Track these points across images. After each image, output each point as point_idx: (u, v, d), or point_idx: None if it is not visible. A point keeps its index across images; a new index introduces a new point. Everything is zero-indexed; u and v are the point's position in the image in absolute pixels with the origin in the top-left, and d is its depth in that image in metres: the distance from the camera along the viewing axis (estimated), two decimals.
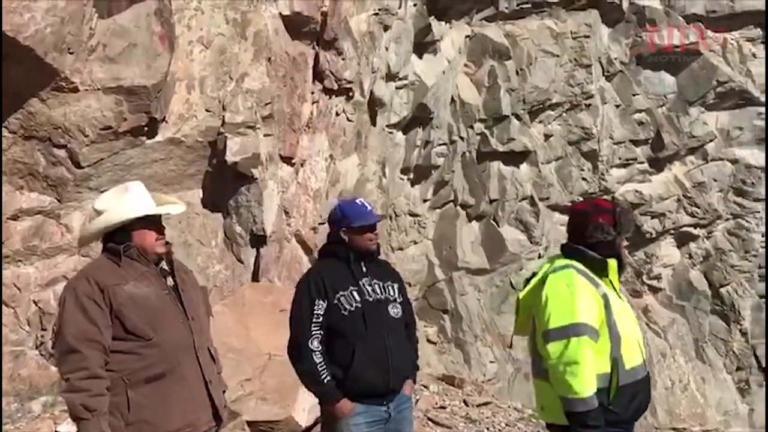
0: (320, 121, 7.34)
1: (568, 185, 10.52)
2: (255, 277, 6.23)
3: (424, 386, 6.23)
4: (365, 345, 2.99)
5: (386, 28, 8.61)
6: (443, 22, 9.65)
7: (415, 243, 9.40)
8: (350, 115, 7.85)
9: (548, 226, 10.32)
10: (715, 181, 11.74)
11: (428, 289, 9.49)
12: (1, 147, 5.22)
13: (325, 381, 2.98)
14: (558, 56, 10.15)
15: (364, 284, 3.07)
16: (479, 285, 9.64)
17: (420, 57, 9.30)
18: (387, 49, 8.64)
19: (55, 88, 5.27)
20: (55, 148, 5.45)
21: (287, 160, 6.61)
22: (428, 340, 8.86)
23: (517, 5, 10.10)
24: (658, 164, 11.47)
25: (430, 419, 5.25)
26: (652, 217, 11.39)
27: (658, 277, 11.81)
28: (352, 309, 3.02)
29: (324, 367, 2.99)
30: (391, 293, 3.14)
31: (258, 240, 6.26)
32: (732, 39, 11.72)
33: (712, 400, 11.30)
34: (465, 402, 5.76)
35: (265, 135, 6.30)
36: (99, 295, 2.42)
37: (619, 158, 10.99)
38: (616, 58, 10.97)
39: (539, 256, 10.15)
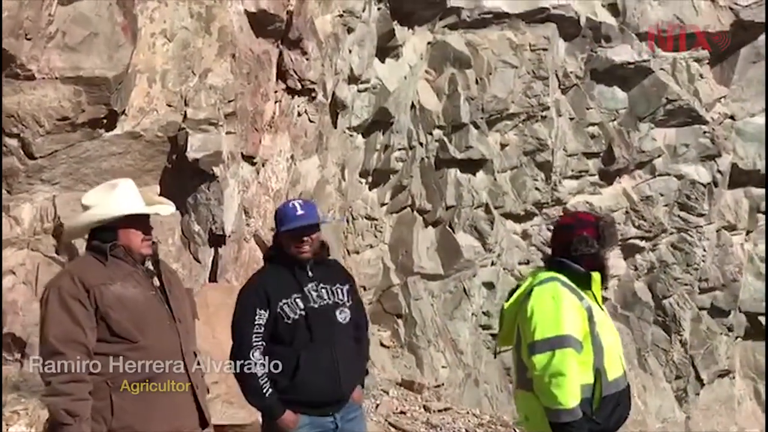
0: (282, 120, 7.27)
1: (522, 194, 10.70)
2: (212, 277, 6.11)
3: (384, 391, 6.24)
4: (311, 354, 2.89)
5: (350, 30, 8.59)
6: (406, 28, 9.68)
7: (371, 247, 9.40)
8: (312, 116, 7.80)
9: (502, 233, 10.47)
10: (662, 195, 12.10)
11: (383, 293, 9.49)
12: None
13: (267, 394, 2.88)
14: (517, 67, 10.32)
15: (309, 290, 2.95)
16: (433, 290, 9.70)
17: (382, 61, 9.31)
18: (350, 51, 8.62)
19: (9, 75, 5.09)
20: (7, 137, 5.26)
21: (249, 159, 6.52)
22: (382, 344, 8.87)
23: (479, 15, 10.21)
24: (608, 177, 11.76)
25: (391, 424, 5.25)
26: None
27: (605, 288, 12.08)
28: (296, 317, 2.91)
29: (266, 380, 2.88)
30: (340, 297, 3.02)
31: (217, 239, 6.14)
32: (681, 59, 12.12)
33: (653, 407, 11.64)
34: (425, 407, 5.78)
35: (227, 133, 6.20)
36: (84, 294, 2.32)
37: (572, 170, 11.23)
38: (571, 72, 11.20)
39: (492, 264, 10.28)
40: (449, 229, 9.92)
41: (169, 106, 5.98)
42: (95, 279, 2.34)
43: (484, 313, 10.16)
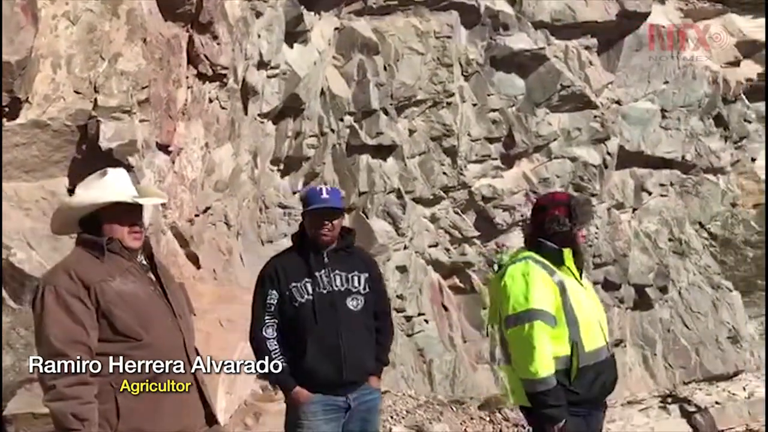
0: (194, 107, 7.02)
1: (431, 179, 10.92)
2: None
3: None
4: (317, 338, 2.98)
5: (258, 14, 8.41)
6: (313, 13, 9.59)
7: (286, 236, 9.29)
8: (224, 103, 7.59)
9: (413, 218, 10.65)
10: (558, 177, 12.72)
11: None
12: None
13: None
14: (423, 54, 10.49)
15: (320, 276, 3.02)
16: None
17: (291, 46, 9.18)
18: (259, 36, 8.45)
19: None
20: None
21: (163, 147, 6.26)
22: None
23: (384, 1, 10.28)
24: (509, 161, 12.22)
25: None
26: (503, 210, 12.13)
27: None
28: (303, 301, 2.99)
29: (278, 354, 2.99)
30: (355, 284, 3.08)
31: None
32: (572, 47, 12.75)
33: None
34: None
35: (141, 120, 5.92)
36: (84, 292, 2.17)
37: (476, 154, 11.57)
38: (473, 59, 11.52)
39: (405, 248, 10.45)
40: (363, 214, 9.99)
41: (77, 93, 5.64)
42: (94, 275, 2.18)
43: (397, 296, 10.32)
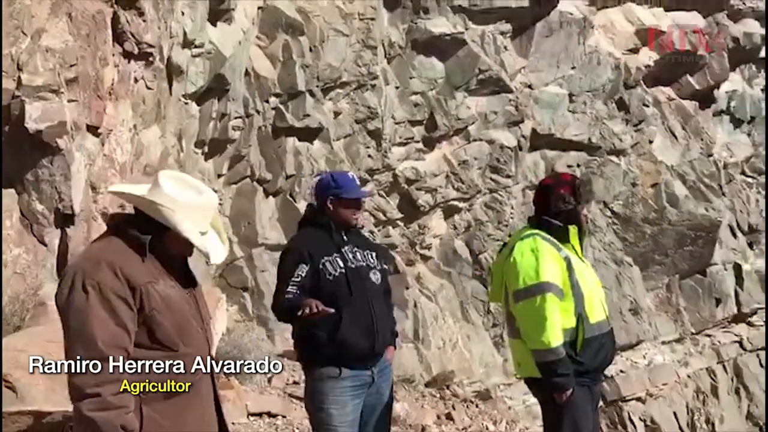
0: (121, 87, 6.69)
1: (356, 162, 10.92)
2: (62, 260, 5.54)
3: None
4: (351, 310, 3.05)
5: None
6: None
7: None
8: (149, 83, 7.27)
9: None
10: (476, 159, 13.04)
11: (226, 268, 9.21)
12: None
13: (292, 298, 3.02)
14: (348, 36, 10.42)
15: (346, 251, 3.13)
16: (277, 261, 9.60)
17: (214, 25, 8.89)
18: (183, 13, 8.13)
19: None
20: None
21: (93, 129, 5.95)
22: (235, 320, 8.63)
23: None
24: (430, 143, 12.41)
25: (290, 396, 5.19)
26: (426, 192, 12.33)
27: (428, 247, 12.84)
28: (336, 274, 3.08)
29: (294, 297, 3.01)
30: (371, 260, 3.22)
31: (64, 219, 5.57)
32: (489, 32, 13.04)
33: (476, 354, 12.68)
34: None
35: (69, 101, 5.59)
36: (129, 293, 2.00)
37: (400, 137, 11.67)
38: (395, 42, 11.57)
39: None
40: (290, 198, 9.86)
41: None
42: (140, 276, 2.02)
43: None
